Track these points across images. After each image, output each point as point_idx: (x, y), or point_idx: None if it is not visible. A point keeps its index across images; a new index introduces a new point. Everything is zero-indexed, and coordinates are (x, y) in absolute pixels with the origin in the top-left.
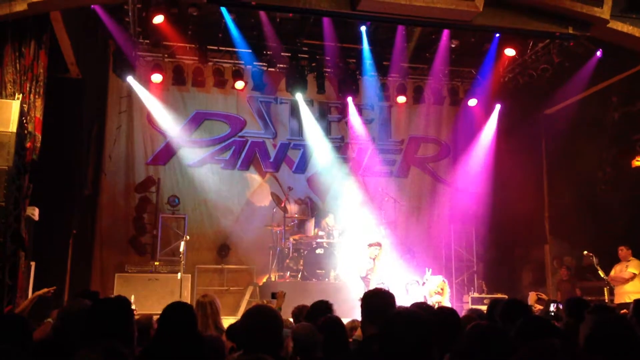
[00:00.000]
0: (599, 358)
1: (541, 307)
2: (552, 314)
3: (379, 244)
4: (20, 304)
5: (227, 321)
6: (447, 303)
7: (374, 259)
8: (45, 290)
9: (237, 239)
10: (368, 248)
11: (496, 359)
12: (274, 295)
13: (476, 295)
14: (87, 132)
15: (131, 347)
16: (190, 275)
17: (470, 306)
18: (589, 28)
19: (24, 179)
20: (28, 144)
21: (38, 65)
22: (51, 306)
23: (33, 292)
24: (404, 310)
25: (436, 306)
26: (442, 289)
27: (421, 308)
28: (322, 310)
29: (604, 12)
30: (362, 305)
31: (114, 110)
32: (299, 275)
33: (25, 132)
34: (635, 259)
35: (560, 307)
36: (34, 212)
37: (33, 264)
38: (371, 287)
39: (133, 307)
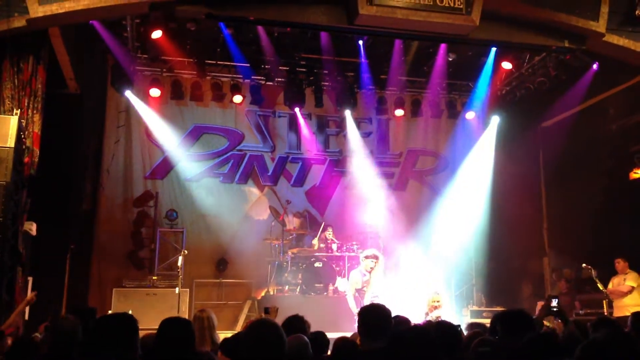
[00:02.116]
0: None
1: (549, 324)
2: (555, 309)
3: (375, 257)
4: (17, 319)
5: (225, 335)
6: (445, 315)
7: (369, 272)
8: (29, 298)
9: (235, 253)
10: (364, 260)
11: None
12: (267, 311)
13: (475, 308)
14: (85, 147)
15: None
16: (188, 289)
17: (469, 320)
18: (585, 41)
19: (21, 194)
20: (26, 159)
21: (36, 81)
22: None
23: (30, 307)
24: (412, 326)
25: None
26: (438, 302)
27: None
28: (296, 326)
29: (600, 25)
30: (358, 320)
31: (112, 124)
32: (298, 289)
33: (24, 147)
34: (633, 272)
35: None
36: (32, 227)
37: (30, 279)
38: (365, 301)
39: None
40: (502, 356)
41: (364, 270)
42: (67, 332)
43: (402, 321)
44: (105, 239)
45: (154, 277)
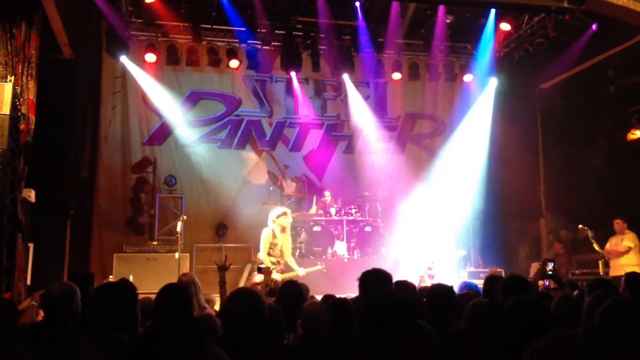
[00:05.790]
0: (616, 346)
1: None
2: (550, 272)
3: (285, 213)
4: (19, 285)
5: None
6: (441, 279)
7: (282, 232)
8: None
9: (234, 218)
10: (277, 219)
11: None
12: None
13: (472, 269)
14: (82, 113)
15: (134, 332)
16: (188, 254)
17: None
18: (584, 1)
19: (18, 161)
20: (22, 126)
21: (30, 47)
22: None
23: (32, 273)
24: (384, 292)
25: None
26: (431, 269)
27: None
28: (293, 291)
29: None
30: (359, 285)
31: (109, 90)
32: (297, 253)
33: (19, 114)
34: (631, 232)
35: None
36: (30, 194)
37: (31, 245)
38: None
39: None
40: (491, 319)
41: (277, 232)
42: (57, 298)
43: (404, 286)
44: (105, 205)
45: (154, 243)
